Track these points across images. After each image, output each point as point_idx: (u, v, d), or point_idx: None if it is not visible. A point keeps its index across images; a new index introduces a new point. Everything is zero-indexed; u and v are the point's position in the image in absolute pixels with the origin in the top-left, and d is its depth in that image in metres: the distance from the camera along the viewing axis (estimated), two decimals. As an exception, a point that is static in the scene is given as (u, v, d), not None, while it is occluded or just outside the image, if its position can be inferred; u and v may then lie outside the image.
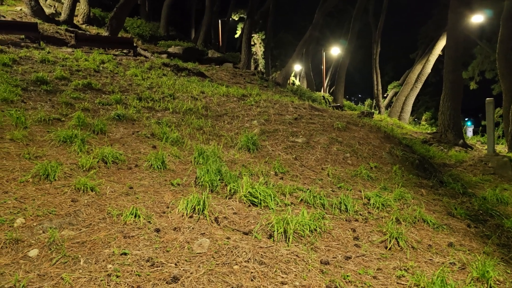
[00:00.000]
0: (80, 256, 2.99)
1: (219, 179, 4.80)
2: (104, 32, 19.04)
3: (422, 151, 9.88)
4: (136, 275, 2.77)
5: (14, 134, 5.29)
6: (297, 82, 39.56)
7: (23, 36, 14.83)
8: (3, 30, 14.15)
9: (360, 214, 4.47)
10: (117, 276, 2.74)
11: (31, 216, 3.50)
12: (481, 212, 5.32)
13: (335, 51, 35.04)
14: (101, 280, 2.69)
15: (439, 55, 24.82)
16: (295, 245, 3.48)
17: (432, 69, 25.97)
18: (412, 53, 35.10)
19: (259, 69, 36.54)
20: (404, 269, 3.25)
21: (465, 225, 4.69)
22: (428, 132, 17.74)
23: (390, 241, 3.74)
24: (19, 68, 9.51)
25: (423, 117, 36.77)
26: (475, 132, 24.92)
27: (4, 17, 17.04)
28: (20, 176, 4.20)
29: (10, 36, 14.48)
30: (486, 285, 3.09)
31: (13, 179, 4.13)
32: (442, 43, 23.57)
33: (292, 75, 37.08)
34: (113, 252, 3.05)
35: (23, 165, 4.52)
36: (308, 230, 3.72)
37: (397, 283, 3.03)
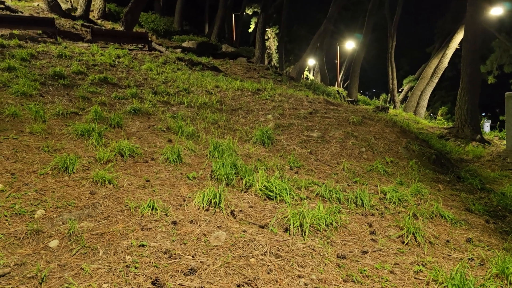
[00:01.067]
0: (99, 247, 3.03)
1: (235, 173, 4.82)
2: (119, 27, 19.18)
3: (439, 146, 9.75)
4: (154, 266, 2.81)
5: (33, 128, 5.38)
6: (311, 77, 39.33)
7: (40, 31, 15.04)
8: (21, 25, 14.37)
9: (377, 209, 4.44)
10: (136, 267, 2.78)
11: (51, 207, 3.57)
12: (500, 208, 5.24)
13: (350, 45, 34.69)
14: (120, 271, 2.73)
15: (456, 48, 24.37)
16: (311, 239, 3.48)
17: (448, 63, 25.51)
18: (428, 46, 34.55)
19: (272, 63, 36.41)
20: (422, 264, 3.22)
21: (484, 220, 4.63)
22: (445, 127, 17.48)
23: (407, 236, 3.71)
24: (37, 62, 9.66)
25: (439, 112, 36.23)
26: (492, 127, 24.43)
27: (22, 12, 17.29)
28: (39, 169, 4.28)
29: (28, 31, 14.69)
30: (506, 281, 3.04)
31: (33, 172, 4.21)
32: (459, 36, 23.11)
33: (306, 69, 36.88)
34: (131, 243, 3.09)
35: (43, 157, 4.60)
36: (324, 224, 3.71)
37: (415, 278, 3.01)
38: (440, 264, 3.27)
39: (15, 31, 13.66)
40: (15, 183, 3.90)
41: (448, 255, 3.53)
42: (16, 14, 16.58)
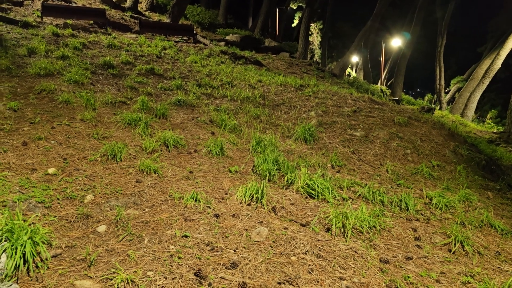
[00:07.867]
0: (144, 235, 3.12)
1: (276, 169, 4.80)
2: (166, 19, 19.54)
3: (489, 152, 9.30)
4: (196, 258, 2.85)
5: (84, 115, 5.59)
6: (353, 74, 38.58)
7: (91, 22, 15.58)
8: (74, 15, 14.95)
9: (422, 214, 4.30)
10: (179, 258, 2.83)
11: (99, 193, 3.70)
12: (555, 220, 4.93)
13: (396, 42, 33.65)
14: (164, 260, 2.79)
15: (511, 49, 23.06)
16: (353, 241, 3.41)
17: (501, 64, 24.18)
18: (479, 46, 32.96)
19: (314, 59, 36.01)
20: (470, 275, 3.08)
21: (538, 233, 4.37)
22: (494, 131, 16.68)
23: (455, 244, 3.57)
24: (88, 52, 10.02)
25: (488, 115, 34.56)
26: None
27: (76, 3, 17.98)
28: (89, 155, 4.45)
29: (80, 21, 15.26)
30: (562, 300, 2.86)
31: (84, 158, 4.38)
32: (515, 36, 21.88)
33: (349, 66, 36.14)
34: (175, 234, 3.15)
35: (92, 144, 4.77)
36: (367, 226, 3.63)
37: (462, 289, 2.88)
38: (490, 276, 3.12)
39: (68, 21, 14.23)
40: (67, 168, 4.07)
41: (499, 267, 3.36)
42: (70, 4, 17.26)
